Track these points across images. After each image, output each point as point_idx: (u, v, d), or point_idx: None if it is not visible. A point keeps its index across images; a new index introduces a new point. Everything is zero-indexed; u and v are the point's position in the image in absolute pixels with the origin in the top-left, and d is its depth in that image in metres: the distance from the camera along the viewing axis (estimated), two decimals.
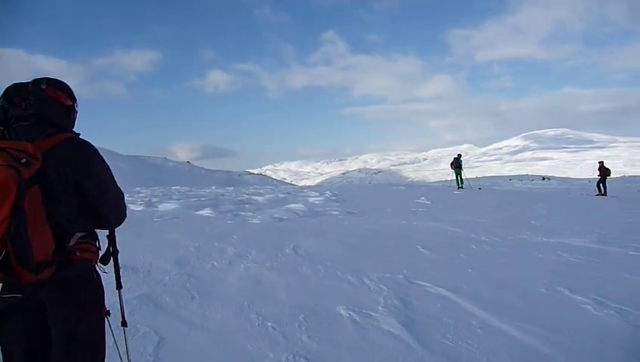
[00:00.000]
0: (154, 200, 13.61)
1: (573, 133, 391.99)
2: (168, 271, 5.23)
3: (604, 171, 20.89)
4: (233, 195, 15.91)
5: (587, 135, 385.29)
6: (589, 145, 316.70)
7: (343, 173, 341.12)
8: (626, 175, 56.88)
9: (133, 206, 11.99)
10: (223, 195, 15.95)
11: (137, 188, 20.89)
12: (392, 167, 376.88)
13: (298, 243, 6.89)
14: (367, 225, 9.20)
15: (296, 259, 5.91)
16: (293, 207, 12.10)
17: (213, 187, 24.25)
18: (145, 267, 5.33)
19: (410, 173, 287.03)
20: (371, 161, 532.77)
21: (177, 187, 23.12)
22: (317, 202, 14.02)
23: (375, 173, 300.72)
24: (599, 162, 21.67)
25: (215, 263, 5.64)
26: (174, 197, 15.00)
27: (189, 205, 12.14)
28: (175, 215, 10.46)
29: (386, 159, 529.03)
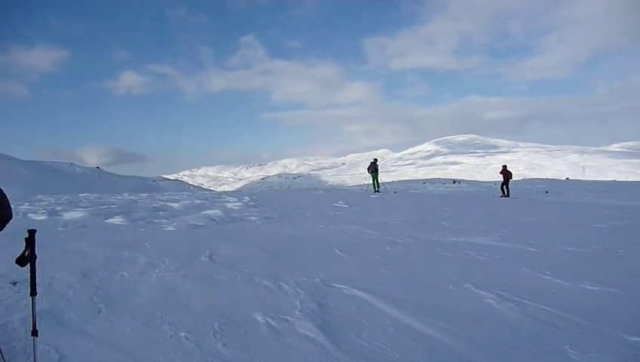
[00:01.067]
0: (58, 208, 12.73)
1: (480, 139, 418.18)
2: (72, 284, 4.91)
3: (506, 174, 22.48)
4: (147, 202, 15.28)
5: (492, 141, 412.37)
6: (494, 150, 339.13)
7: (263, 178, 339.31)
8: (527, 177, 61.57)
9: (34, 215, 11.15)
10: (135, 202, 15.26)
11: (40, 196, 19.44)
12: (312, 172, 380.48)
13: (214, 250, 6.75)
14: (285, 230, 9.21)
15: (212, 266, 5.78)
16: (210, 213, 11.84)
17: (126, 194, 23.12)
18: (45, 280, 4.96)
19: (329, 178, 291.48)
20: (291, 165, 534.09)
21: (86, 194, 21.80)
22: (235, 208, 13.83)
23: (295, 178, 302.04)
24: (502, 166, 23.28)
25: (125, 273, 5.37)
26: (82, 205, 14.12)
27: (98, 213, 11.49)
28: (82, 224, 9.85)
29: (305, 164, 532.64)
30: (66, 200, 16.51)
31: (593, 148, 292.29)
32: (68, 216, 11.11)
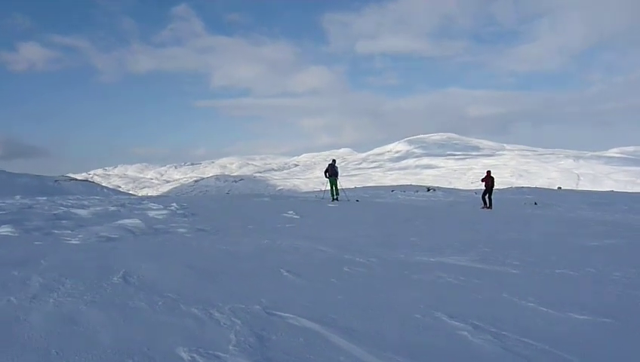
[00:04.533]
0: None
1: (460, 139, 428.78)
2: None
3: (489, 182, 23.16)
4: (46, 208, 14.81)
5: (474, 141, 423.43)
6: (475, 153, 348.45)
7: (196, 181, 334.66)
8: (513, 186, 63.50)
9: None
10: (30, 208, 14.76)
11: None
12: (257, 174, 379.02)
13: (130, 269, 6.63)
14: (221, 246, 9.16)
15: (127, 290, 5.67)
16: (127, 222, 11.61)
17: (18, 197, 22.32)
18: None
19: (279, 182, 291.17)
20: (231, 166, 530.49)
21: None
22: (159, 217, 13.63)
23: (235, 181, 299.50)
24: (486, 172, 23.97)
25: (12, 298, 5.18)
26: None
27: None
28: None
29: (249, 164, 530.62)
30: None
31: (589, 153, 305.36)
32: None
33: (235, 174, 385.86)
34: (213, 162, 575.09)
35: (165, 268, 6.85)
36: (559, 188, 53.79)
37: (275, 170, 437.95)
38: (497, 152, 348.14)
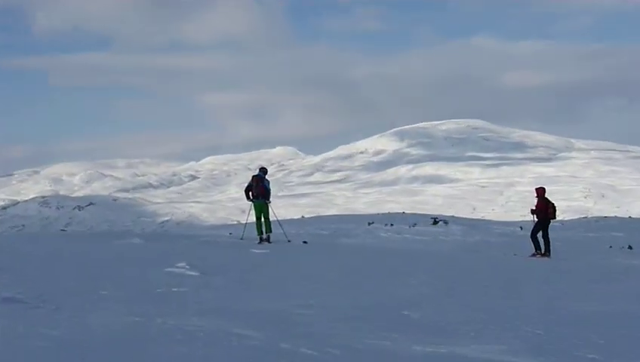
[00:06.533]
0: None
1: (492, 130, 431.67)
2: None
3: (545, 207, 23.18)
4: None
5: (517, 133, 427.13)
6: (520, 155, 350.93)
7: (5, 207, 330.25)
8: (589, 215, 64.51)
9: None
10: None
11: None
12: (121, 194, 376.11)
13: None
14: (47, 330, 8.90)
15: None
16: None
17: None
18: None
19: (161, 208, 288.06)
20: (72, 179, 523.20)
21: None
22: None
23: (80, 208, 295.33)
24: (537, 190, 24.06)
25: None
26: None
27: None
28: None
29: (106, 176, 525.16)
30: None
31: None
32: None
33: (78, 194, 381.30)
34: (37, 172, 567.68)
35: None
36: None
37: (155, 187, 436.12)
38: (559, 154, 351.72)
